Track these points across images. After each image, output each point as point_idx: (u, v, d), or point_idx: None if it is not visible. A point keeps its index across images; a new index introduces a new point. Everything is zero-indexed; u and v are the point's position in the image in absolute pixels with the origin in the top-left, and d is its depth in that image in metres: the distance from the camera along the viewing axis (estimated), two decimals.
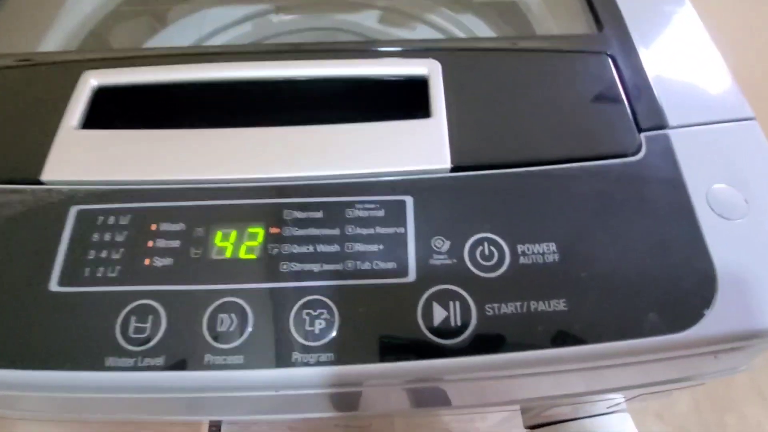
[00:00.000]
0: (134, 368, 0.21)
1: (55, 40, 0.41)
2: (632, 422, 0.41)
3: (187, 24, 0.55)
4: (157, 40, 0.52)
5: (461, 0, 0.54)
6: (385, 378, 0.22)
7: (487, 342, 0.22)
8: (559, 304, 0.22)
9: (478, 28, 0.51)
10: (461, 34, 0.52)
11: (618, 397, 0.38)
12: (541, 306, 0.22)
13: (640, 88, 0.28)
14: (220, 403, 0.24)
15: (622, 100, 0.28)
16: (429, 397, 0.26)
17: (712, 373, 0.28)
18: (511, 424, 0.42)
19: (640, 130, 0.27)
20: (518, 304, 0.22)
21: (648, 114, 0.27)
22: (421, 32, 0.55)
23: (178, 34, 0.53)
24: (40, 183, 0.25)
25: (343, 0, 0.59)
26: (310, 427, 0.32)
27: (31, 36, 0.39)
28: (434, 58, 0.29)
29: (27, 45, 0.39)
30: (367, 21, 0.57)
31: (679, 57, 0.31)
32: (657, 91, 0.28)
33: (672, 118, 0.27)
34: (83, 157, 0.26)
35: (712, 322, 0.22)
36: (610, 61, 0.30)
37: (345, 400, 0.25)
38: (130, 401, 0.24)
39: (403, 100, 0.28)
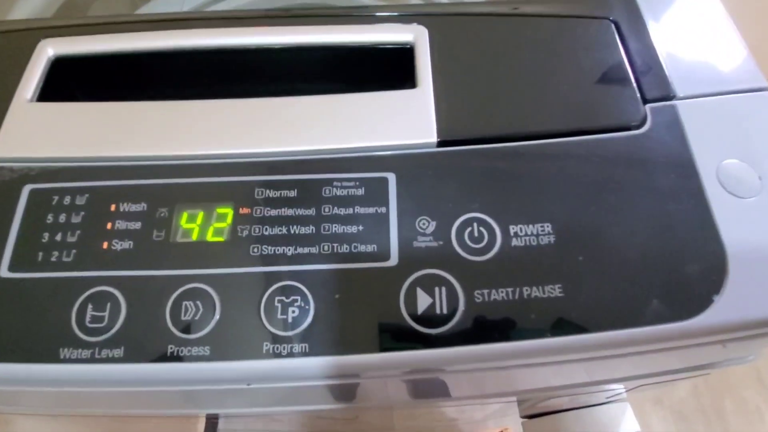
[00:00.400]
0: (91, 360, 0.20)
1: (24, 12, 0.39)
2: (631, 411, 0.40)
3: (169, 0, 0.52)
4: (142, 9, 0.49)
5: None
6: (364, 370, 0.20)
7: (476, 331, 0.20)
8: (554, 290, 0.20)
9: None
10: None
11: (618, 387, 0.36)
12: (535, 292, 0.20)
13: (645, 56, 0.26)
14: (189, 397, 0.23)
15: (625, 69, 0.25)
16: (414, 390, 0.24)
17: (718, 364, 0.26)
18: (506, 414, 0.41)
19: (645, 101, 0.24)
20: (510, 290, 0.20)
21: (654, 84, 0.25)
22: None
23: (159, 10, 0.51)
24: None
25: None
26: (294, 420, 0.31)
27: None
28: (420, 23, 0.26)
29: None
30: None
31: (688, 23, 0.28)
32: (664, 60, 0.26)
33: (680, 89, 0.25)
34: (37, 132, 0.24)
35: (721, 309, 0.20)
36: (613, 26, 0.27)
37: (322, 393, 0.23)
38: (92, 395, 0.22)
39: (387, 69, 0.26)
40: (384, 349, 0.20)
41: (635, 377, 0.27)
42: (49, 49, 0.26)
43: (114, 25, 0.28)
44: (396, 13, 0.27)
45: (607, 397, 0.40)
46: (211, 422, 0.38)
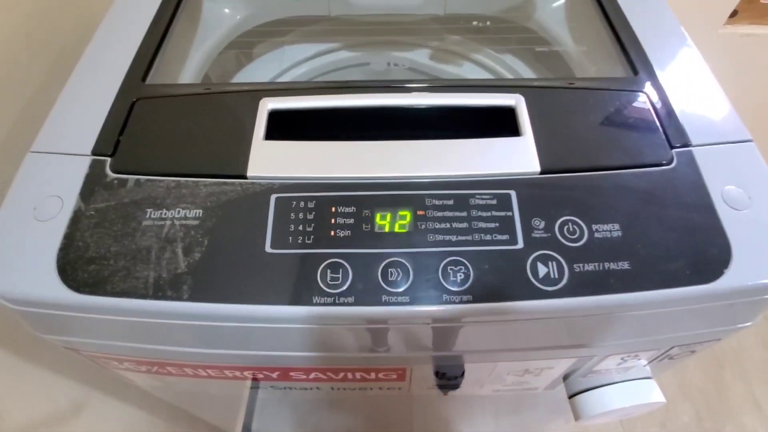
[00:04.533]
0: (333, 304, 0.31)
1: (187, 72, 0.52)
2: (657, 386, 0.51)
3: (269, 59, 0.65)
4: (247, 70, 0.63)
5: (501, 41, 0.65)
6: (506, 314, 0.31)
7: (576, 289, 0.31)
8: (624, 265, 0.32)
9: (518, 67, 0.62)
10: (504, 72, 0.63)
11: (646, 361, 0.47)
12: (612, 266, 0.32)
13: (669, 116, 0.39)
14: (385, 334, 0.34)
15: (657, 126, 0.38)
16: (524, 336, 0.35)
17: (727, 325, 0.37)
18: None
19: (671, 147, 0.37)
20: (596, 264, 0.32)
21: (676, 135, 0.38)
22: (467, 69, 0.66)
23: (262, 67, 0.64)
24: (245, 178, 0.35)
25: (399, 39, 0.70)
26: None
27: (174, 69, 0.50)
28: (518, 93, 0.39)
29: (175, 76, 0.49)
30: (420, 58, 0.68)
31: (693, 93, 0.41)
32: (681, 119, 0.39)
33: (694, 139, 0.38)
34: (272, 160, 0.36)
35: (729, 278, 0.32)
36: (646, 96, 0.40)
37: (469, 333, 0.34)
38: (330, 331, 0.33)
39: (499, 122, 0.38)
40: (519, 299, 0.31)
41: (667, 338, 0.38)
42: (268, 104, 0.38)
43: (301, 90, 0.40)
44: (499, 85, 0.40)
45: (637, 374, 0.50)
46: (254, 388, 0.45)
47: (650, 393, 0.50)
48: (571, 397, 0.53)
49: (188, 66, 0.53)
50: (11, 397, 0.50)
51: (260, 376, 0.41)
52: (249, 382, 0.44)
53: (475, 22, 0.68)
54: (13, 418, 0.49)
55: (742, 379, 1.26)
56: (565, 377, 0.52)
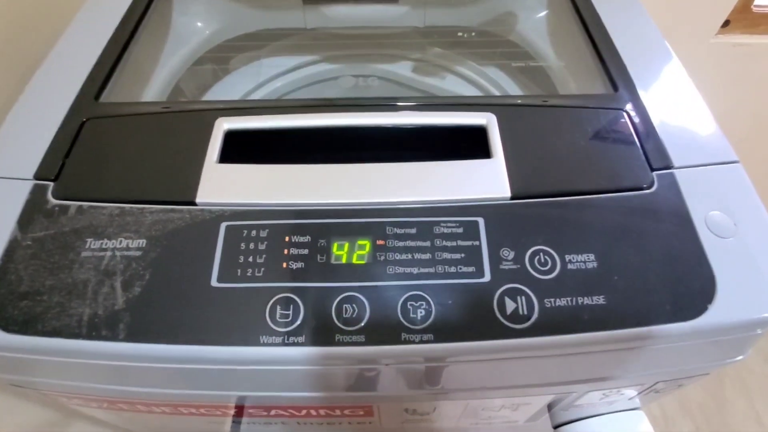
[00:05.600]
0: (282, 344, 0.28)
1: (152, 89, 0.50)
2: (646, 418, 0.48)
3: (246, 72, 0.63)
4: (222, 84, 0.61)
5: (486, 54, 0.63)
6: (471, 354, 0.29)
7: (547, 326, 0.29)
8: (599, 299, 0.29)
9: (501, 79, 0.60)
10: (487, 85, 0.61)
11: (633, 392, 0.44)
12: (586, 300, 0.29)
13: (650, 137, 0.37)
14: (339, 376, 0.31)
15: (637, 147, 0.36)
16: (492, 376, 0.33)
17: (714, 361, 0.35)
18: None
19: (652, 170, 0.35)
20: (569, 298, 0.29)
21: (657, 157, 0.35)
22: (450, 81, 0.64)
23: (239, 80, 0.62)
24: (194, 204, 0.33)
25: (380, 52, 0.68)
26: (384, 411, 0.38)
27: (136, 86, 0.48)
28: (491, 111, 0.37)
29: (136, 94, 0.47)
30: (402, 70, 0.66)
31: (677, 111, 0.39)
32: (663, 140, 0.37)
33: (676, 161, 0.35)
34: (224, 185, 0.33)
35: (714, 314, 0.29)
36: (626, 115, 0.38)
37: (432, 374, 0.31)
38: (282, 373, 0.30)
39: (468, 143, 0.36)
40: (484, 338, 0.29)
41: (653, 372, 0.35)
42: (224, 124, 0.36)
43: (261, 109, 0.38)
44: (470, 103, 0.38)
45: (624, 405, 0.48)
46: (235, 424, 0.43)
47: (638, 425, 0.48)
48: (555, 428, 0.50)
49: (154, 82, 0.51)
50: None
51: (217, 413, 0.39)
52: (209, 418, 0.41)
53: (459, 34, 0.66)
54: None
55: (743, 395, 1.23)
56: (550, 407, 0.49)
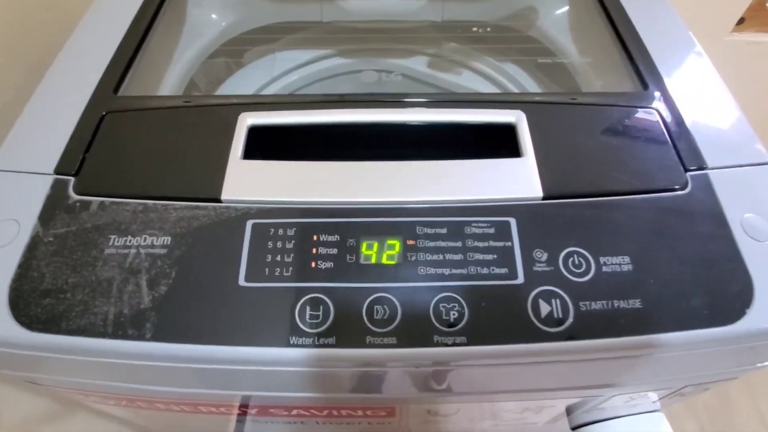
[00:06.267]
0: (312, 345, 0.28)
1: (168, 82, 0.49)
2: (666, 421, 0.48)
3: (260, 65, 0.63)
4: (236, 77, 0.60)
5: (504, 50, 0.62)
6: (504, 357, 0.28)
7: (582, 330, 0.28)
8: (635, 303, 0.29)
9: (520, 76, 0.59)
10: (504, 81, 0.60)
11: (658, 396, 0.44)
12: (622, 304, 0.29)
13: (682, 136, 0.36)
14: (369, 378, 0.30)
15: (670, 146, 0.35)
16: (524, 379, 0.32)
17: (745, 365, 0.34)
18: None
19: (686, 170, 0.34)
20: (604, 302, 0.29)
21: (691, 157, 0.35)
22: (466, 77, 0.63)
23: (251, 75, 0.61)
24: (220, 201, 0.32)
25: (395, 46, 0.67)
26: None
27: (153, 79, 0.47)
28: (519, 109, 0.36)
29: (152, 87, 0.46)
30: (417, 66, 0.65)
31: (708, 110, 0.38)
32: (696, 139, 0.36)
33: (710, 161, 0.34)
34: (250, 181, 0.33)
35: (752, 319, 0.29)
36: (657, 114, 0.37)
37: (461, 377, 0.31)
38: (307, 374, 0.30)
39: (497, 141, 0.35)
40: (518, 341, 0.28)
41: (686, 376, 0.35)
42: (248, 120, 0.35)
43: (284, 104, 0.37)
44: (498, 100, 0.37)
45: (645, 407, 0.47)
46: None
47: (658, 427, 0.47)
48: (574, 429, 0.50)
49: (170, 75, 0.50)
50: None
51: (238, 412, 0.38)
52: (228, 417, 0.40)
53: (474, 29, 0.65)
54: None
55: (748, 395, 1.22)
56: (569, 411, 0.49)
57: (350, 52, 0.66)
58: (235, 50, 0.59)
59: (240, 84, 0.59)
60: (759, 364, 0.34)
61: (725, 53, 0.99)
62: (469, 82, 0.62)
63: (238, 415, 0.39)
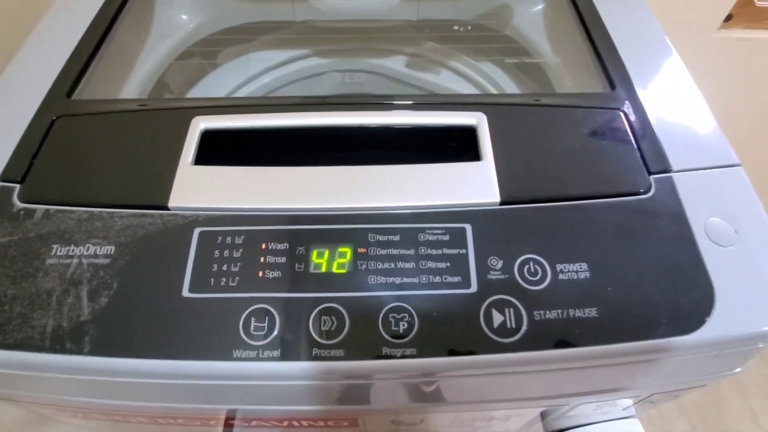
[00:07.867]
0: (256, 359, 0.27)
1: (131, 85, 0.48)
2: (641, 427, 0.47)
3: (233, 67, 0.61)
4: (209, 78, 0.59)
5: (480, 49, 0.61)
6: (455, 369, 0.27)
7: (536, 341, 0.27)
8: (592, 312, 0.28)
9: (496, 75, 0.58)
10: (482, 81, 0.59)
11: (628, 402, 0.43)
12: (578, 313, 0.28)
13: (647, 138, 0.35)
14: (318, 391, 0.30)
15: (634, 149, 0.34)
16: (479, 390, 0.31)
17: (712, 374, 0.33)
18: None
19: (649, 173, 0.33)
20: (560, 311, 0.28)
21: (655, 160, 0.34)
22: (445, 77, 0.62)
23: (226, 75, 0.60)
24: (167, 208, 0.31)
25: (372, 46, 0.66)
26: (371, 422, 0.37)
27: (113, 82, 0.46)
28: (480, 111, 0.35)
29: (114, 90, 0.45)
30: (396, 65, 0.64)
31: (676, 112, 0.37)
32: (661, 141, 0.35)
33: (674, 164, 0.34)
34: (199, 188, 0.32)
35: (712, 328, 0.28)
36: (622, 115, 0.36)
37: (416, 388, 0.30)
38: (252, 388, 0.29)
39: (457, 144, 0.34)
40: (469, 353, 0.27)
41: (650, 385, 0.34)
42: (201, 124, 0.34)
43: (242, 107, 0.36)
44: (460, 102, 0.36)
45: (619, 413, 0.46)
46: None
47: None
48: None
49: (134, 77, 0.49)
50: None
51: (196, 423, 0.37)
52: (187, 428, 0.40)
53: (455, 27, 0.64)
54: None
55: (739, 394, 1.22)
56: (543, 416, 0.48)
57: (325, 52, 0.65)
58: (206, 51, 0.58)
59: (213, 86, 0.58)
60: (728, 372, 0.33)
61: (713, 50, 0.98)
62: (445, 81, 0.61)
63: (198, 425, 0.38)
